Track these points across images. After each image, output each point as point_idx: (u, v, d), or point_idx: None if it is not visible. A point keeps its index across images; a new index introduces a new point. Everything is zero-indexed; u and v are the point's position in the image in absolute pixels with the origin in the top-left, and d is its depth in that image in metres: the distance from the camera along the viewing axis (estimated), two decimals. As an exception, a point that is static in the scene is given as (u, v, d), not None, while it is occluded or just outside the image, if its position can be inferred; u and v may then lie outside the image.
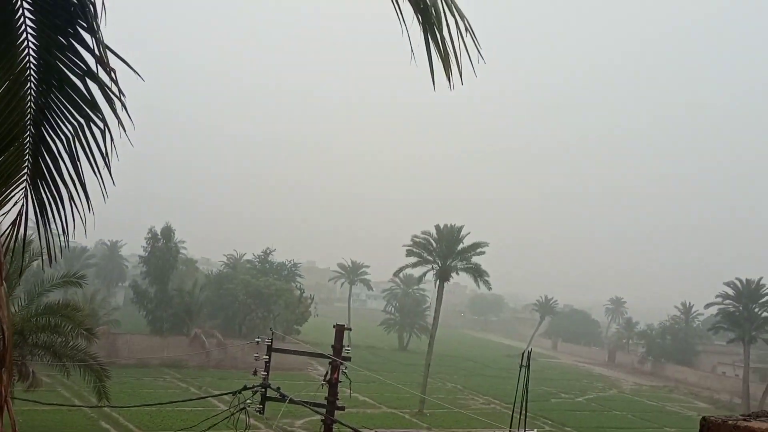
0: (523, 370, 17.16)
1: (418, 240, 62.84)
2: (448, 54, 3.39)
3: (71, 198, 4.57)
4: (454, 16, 3.42)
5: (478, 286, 64.85)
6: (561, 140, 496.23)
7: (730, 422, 2.78)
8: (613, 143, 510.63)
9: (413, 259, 63.44)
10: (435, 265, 61.89)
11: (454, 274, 62.58)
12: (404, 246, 63.61)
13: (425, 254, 62.39)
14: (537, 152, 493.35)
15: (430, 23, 3.39)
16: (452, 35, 3.40)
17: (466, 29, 3.43)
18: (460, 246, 61.66)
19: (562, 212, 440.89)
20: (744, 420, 2.81)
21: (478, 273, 61.39)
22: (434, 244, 62.01)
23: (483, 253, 61.89)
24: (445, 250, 61.31)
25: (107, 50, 4.11)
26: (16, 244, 4.66)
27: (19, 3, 4.20)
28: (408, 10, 3.37)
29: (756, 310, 71.80)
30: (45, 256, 4.76)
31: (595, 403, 67.47)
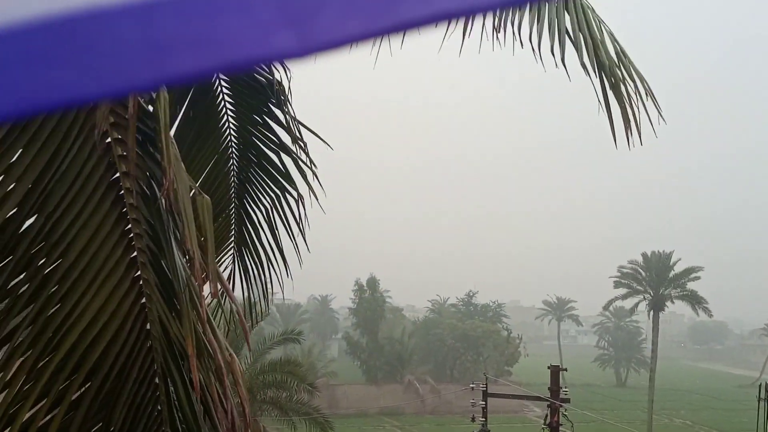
0: (762, 402, 15.77)
1: (625, 270, 60.39)
2: (628, 113, 3.44)
3: (270, 263, 4.89)
4: (633, 80, 3.48)
5: (697, 313, 61.00)
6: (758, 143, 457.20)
7: None
8: None
9: (622, 291, 61.06)
10: (647, 295, 59.04)
11: (668, 303, 59.34)
12: (611, 278, 61.44)
13: (635, 284, 59.77)
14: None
15: (613, 84, 3.45)
16: (630, 95, 3.45)
17: (647, 93, 3.48)
18: (672, 273, 58.49)
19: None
20: None
21: (695, 300, 57.76)
22: (643, 273, 59.29)
23: (698, 278, 58.27)
24: (656, 279, 58.38)
25: (298, 124, 4.38)
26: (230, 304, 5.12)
27: (219, 89, 4.59)
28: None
29: None
30: (254, 316, 5.12)
31: None
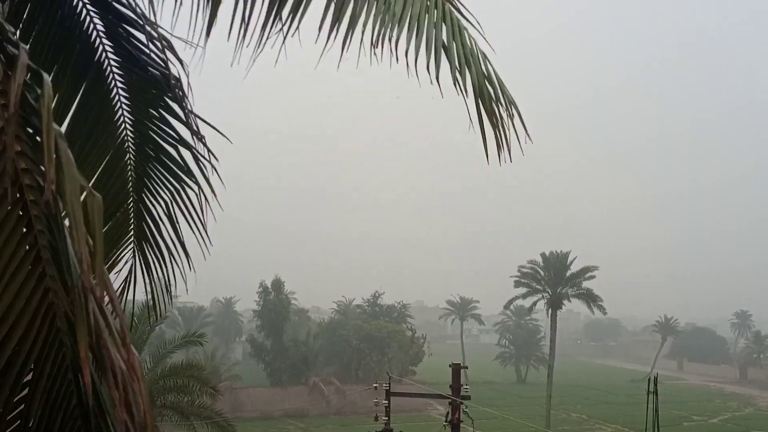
0: (651, 395, 16.57)
1: (525, 270, 62.06)
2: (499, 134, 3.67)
3: (172, 257, 4.86)
4: (504, 102, 3.70)
5: (592, 311, 63.32)
6: (647, 141, 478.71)
7: None
8: (709, 137, 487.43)
9: (522, 290, 62.71)
10: (545, 294, 60.86)
11: (566, 302, 61.36)
12: (511, 277, 63.02)
13: (534, 284, 61.52)
14: (622, 156, 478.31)
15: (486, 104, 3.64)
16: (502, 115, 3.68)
17: (515, 114, 3.72)
18: (569, 272, 60.52)
19: (670, 219, 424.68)
20: None
21: (590, 298, 59.98)
22: (542, 273, 61.09)
23: (593, 277, 60.51)
24: (554, 278, 60.28)
25: (196, 118, 4.37)
26: (134, 303, 5.07)
27: (113, 82, 4.55)
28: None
29: None
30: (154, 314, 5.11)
31: (731, 424, 64.04)
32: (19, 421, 2.48)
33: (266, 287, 73.75)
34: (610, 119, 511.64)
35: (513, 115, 3.69)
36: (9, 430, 2.47)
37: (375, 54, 3.70)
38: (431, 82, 3.60)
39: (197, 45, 4.22)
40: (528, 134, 3.70)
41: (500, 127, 3.62)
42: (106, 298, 2.44)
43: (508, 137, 3.62)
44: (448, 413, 18.83)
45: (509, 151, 3.62)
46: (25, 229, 2.47)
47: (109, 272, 4.98)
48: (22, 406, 2.47)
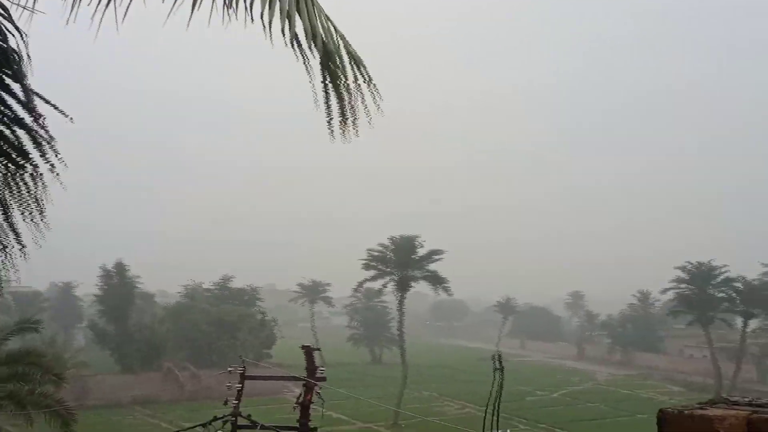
0: (497, 372, 17.33)
1: (375, 254, 63.19)
2: (346, 105, 3.56)
3: (2, 244, 4.58)
4: (353, 69, 3.62)
5: (438, 293, 65.33)
6: (511, 144, 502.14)
7: (686, 412, 2.93)
8: (565, 144, 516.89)
9: (372, 273, 63.78)
10: (393, 277, 62.21)
11: (413, 283, 63.00)
12: (360, 260, 63.94)
13: (381, 266, 62.74)
14: (485, 158, 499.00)
15: (333, 74, 3.56)
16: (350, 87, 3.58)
17: (366, 81, 3.63)
18: (417, 255, 62.16)
19: (514, 213, 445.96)
20: (700, 408, 2.97)
21: (436, 280, 61.84)
22: (390, 256, 62.39)
23: (440, 260, 62.50)
24: (402, 261, 61.70)
25: (35, 96, 4.14)
26: None
27: None
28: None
29: (710, 291, 73.42)
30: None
31: (569, 397, 68.16)
32: None
33: (108, 271, 70.90)
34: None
35: (362, 88, 3.59)
36: None
37: (229, 14, 3.65)
38: (286, 45, 3.51)
39: (34, 10, 4.00)
40: (379, 107, 3.58)
41: (348, 101, 3.54)
42: None
43: (354, 110, 3.54)
44: (300, 395, 18.90)
45: (355, 126, 3.54)
46: None
47: None
48: None
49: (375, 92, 3.61)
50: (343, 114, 3.52)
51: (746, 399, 3.14)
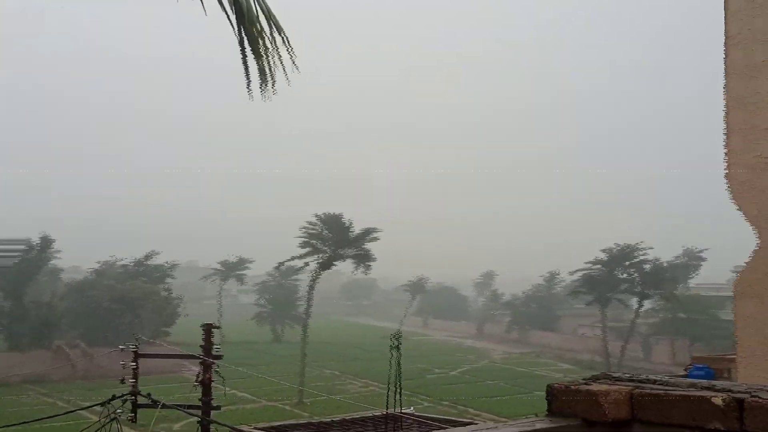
0: (394, 350, 17.47)
1: (312, 231, 62.64)
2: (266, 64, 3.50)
3: None
4: (270, 25, 3.53)
5: (364, 272, 65.75)
6: (427, 115, 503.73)
7: (572, 387, 2.95)
8: (490, 121, 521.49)
9: (306, 250, 63.12)
10: (325, 255, 61.83)
11: (336, 262, 62.99)
12: (298, 237, 63.24)
13: (319, 244, 62.29)
14: (398, 125, 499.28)
15: (249, 31, 3.47)
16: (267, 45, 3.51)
17: (284, 41, 3.56)
18: (353, 234, 62.06)
19: (436, 191, 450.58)
20: (585, 384, 3.00)
21: (366, 259, 62.04)
22: (325, 234, 62.05)
23: (377, 239, 62.68)
24: (337, 239, 61.47)
25: None
26: None
27: None
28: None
29: (616, 273, 76.15)
30: None
31: (468, 375, 69.69)
32: None
33: (31, 245, 68.37)
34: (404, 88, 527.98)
35: (278, 45, 3.53)
36: None
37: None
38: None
39: None
40: (295, 64, 3.53)
41: (266, 57, 3.46)
42: None
43: (273, 68, 3.47)
44: (198, 374, 18.57)
45: (273, 86, 3.46)
46: None
47: None
48: None
49: (292, 53, 3.54)
50: (262, 74, 3.42)
51: (627, 375, 3.19)
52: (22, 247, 68.39)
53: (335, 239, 61.78)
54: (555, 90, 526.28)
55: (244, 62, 3.46)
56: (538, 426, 2.88)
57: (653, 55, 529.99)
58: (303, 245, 63.21)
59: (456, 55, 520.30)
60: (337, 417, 23.07)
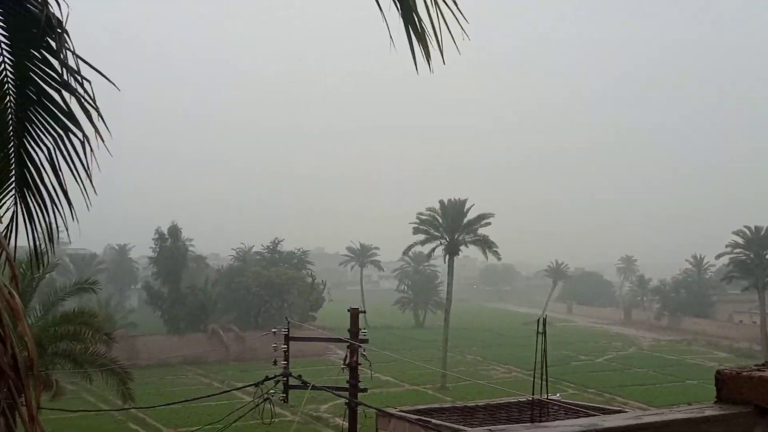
0: (540, 336, 17.25)
1: (424, 217, 63.05)
2: (425, 34, 3.49)
3: (55, 205, 4.69)
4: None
5: (487, 257, 65.14)
6: (556, 99, 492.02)
7: (744, 373, 2.82)
8: (609, 97, 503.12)
9: (421, 237, 63.82)
10: (443, 241, 62.12)
11: (463, 248, 62.88)
12: (410, 224, 63.96)
13: (432, 230, 62.64)
14: (531, 111, 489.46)
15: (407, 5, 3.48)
16: (431, 14, 3.47)
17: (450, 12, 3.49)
18: (466, 219, 61.89)
19: (563, 173, 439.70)
20: (758, 370, 2.85)
21: (486, 244, 61.63)
22: (440, 220, 62.25)
23: (489, 224, 62.13)
24: (452, 225, 61.53)
25: (80, 61, 4.17)
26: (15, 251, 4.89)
27: None
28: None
29: (767, 256, 71.66)
30: (37, 261, 4.96)
31: (615, 363, 67.70)
32: None
33: (162, 234, 72.23)
34: (519, 70, 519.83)
35: (443, 17, 3.47)
36: None
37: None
38: None
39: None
40: (465, 31, 3.44)
41: (428, 33, 3.47)
42: None
43: (440, 39, 3.44)
44: (346, 357, 19.04)
45: (442, 54, 3.45)
46: None
47: None
48: None
49: (459, 19, 3.46)
50: (425, 46, 3.46)
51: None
52: (155, 236, 72.54)
53: (447, 226, 61.69)
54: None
55: (410, 44, 3.49)
56: (708, 413, 2.77)
57: None
58: (415, 231, 63.59)
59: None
60: (481, 402, 23.06)
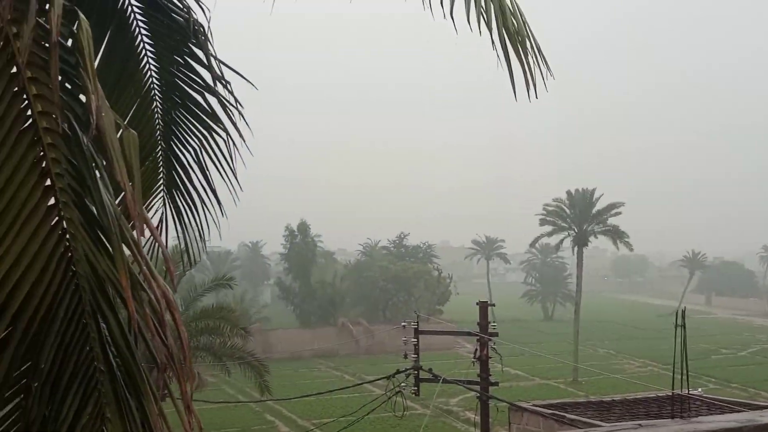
0: (678, 329, 16.52)
1: (550, 208, 61.92)
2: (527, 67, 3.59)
3: (204, 204, 4.89)
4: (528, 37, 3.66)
5: (618, 247, 63.24)
6: (675, 78, 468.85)
7: None
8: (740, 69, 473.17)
9: (547, 228, 62.78)
10: (571, 232, 60.81)
11: (592, 238, 61.33)
12: (537, 215, 63.00)
13: (560, 222, 61.44)
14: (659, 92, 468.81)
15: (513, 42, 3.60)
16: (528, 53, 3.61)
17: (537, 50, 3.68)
18: (595, 209, 60.30)
19: (695, 157, 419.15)
20: None
21: (616, 234, 59.83)
22: (567, 211, 60.94)
23: (619, 213, 60.26)
24: (580, 215, 60.13)
25: (220, 64, 4.34)
26: (163, 250, 5.17)
27: (137, 30, 4.53)
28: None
29: None
30: (186, 260, 5.20)
31: (760, 356, 64.10)
32: (29, 364, 2.53)
33: (292, 231, 74.33)
34: (637, 55, 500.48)
35: (536, 51, 3.61)
36: (22, 370, 2.53)
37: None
38: (444, 17, 3.54)
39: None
40: (550, 69, 3.62)
41: (527, 63, 3.54)
42: (147, 233, 2.43)
43: (533, 73, 3.54)
44: (476, 350, 18.95)
45: (535, 87, 3.54)
46: (40, 173, 2.47)
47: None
48: (31, 353, 2.51)
49: (543, 58, 3.68)
50: (525, 77, 3.54)
51: None
52: (286, 233, 74.58)
53: (575, 216, 60.06)
54: None
55: (509, 69, 3.56)
56: None
57: None
58: (542, 223, 62.37)
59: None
60: (617, 396, 22.39)
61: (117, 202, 2.66)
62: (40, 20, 2.39)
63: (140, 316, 2.39)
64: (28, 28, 2.30)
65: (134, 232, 2.34)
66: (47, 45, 2.43)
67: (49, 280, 2.46)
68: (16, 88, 2.47)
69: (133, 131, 2.39)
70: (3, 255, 2.38)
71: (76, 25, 2.45)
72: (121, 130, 2.40)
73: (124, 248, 2.35)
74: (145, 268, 2.35)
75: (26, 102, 2.49)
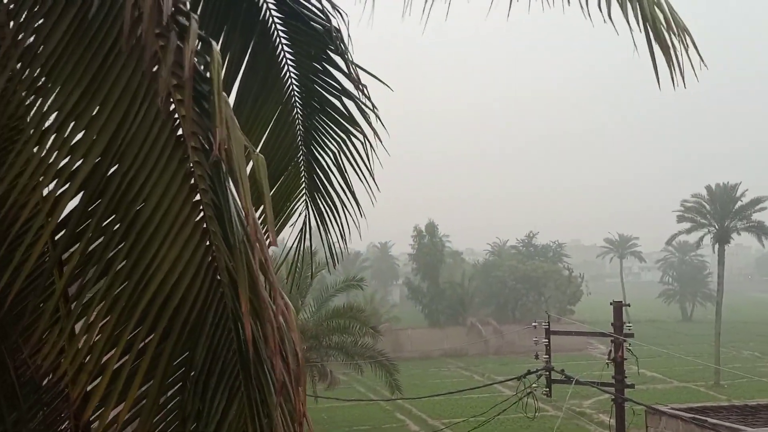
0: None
1: (689, 204, 59.37)
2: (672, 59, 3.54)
3: (344, 206, 5.07)
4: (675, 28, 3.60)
5: (762, 245, 59.87)
6: None
7: None
8: None
9: (686, 225, 60.21)
10: (711, 229, 58.03)
11: (734, 235, 58.31)
12: (674, 212, 60.55)
13: (699, 218, 58.77)
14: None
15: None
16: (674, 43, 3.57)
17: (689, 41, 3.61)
18: (738, 204, 57.28)
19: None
20: None
21: (762, 231, 56.64)
22: (707, 207, 58.20)
23: (765, 209, 56.99)
24: (721, 211, 57.29)
25: (357, 68, 4.50)
26: (303, 252, 5.41)
27: (278, 39, 4.75)
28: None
29: None
30: (329, 261, 5.40)
31: None
32: (184, 369, 2.77)
33: (420, 231, 74.75)
34: None
35: (686, 43, 3.55)
36: (176, 372, 2.77)
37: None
38: (603, 21, 3.60)
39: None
40: (702, 59, 3.55)
41: (672, 53, 3.49)
42: (271, 251, 2.61)
43: (681, 61, 3.49)
44: (610, 351, 18.48)
45: (683, 76, 3.48)
46: (189, 188, 2.69)
47: (284, 225, 5.34)
48: (187, 353, 2.75)
49: (695, 47, 3.61)
50: (669, 66, 3.51)
51: None
52: (414, 233, 74.85)
53: (716, 212, 56.99)
54: None
55: (653, 59, 3.51)
56: None
57: None
58: (679, 220, 59.66)
59: None
60: (763, 401, 21.23)
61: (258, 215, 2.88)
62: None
63: (258, 337, 2.56)
64: (167, 66, 2.50)
65: (262, 252, 2.49)
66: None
67: (199, 286, 2.68)
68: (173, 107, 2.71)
69: (260, 155, 2.56)
70: (161, 261, 2.62)
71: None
72: (248, 151, 2.55)
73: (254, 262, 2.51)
74: (267, 289, 2.50)
75: (177, 122, 2.72)
